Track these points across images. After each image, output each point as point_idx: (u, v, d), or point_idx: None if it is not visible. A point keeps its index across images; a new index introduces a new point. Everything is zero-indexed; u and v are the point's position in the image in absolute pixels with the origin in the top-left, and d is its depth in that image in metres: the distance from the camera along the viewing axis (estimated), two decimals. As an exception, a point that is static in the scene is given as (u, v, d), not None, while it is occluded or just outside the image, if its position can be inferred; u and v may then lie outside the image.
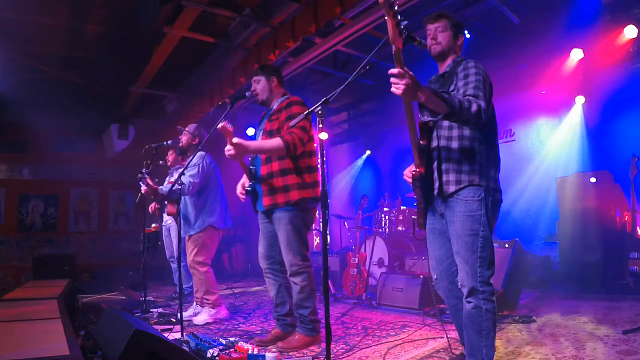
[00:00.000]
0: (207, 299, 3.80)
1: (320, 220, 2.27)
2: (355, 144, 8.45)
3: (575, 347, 2.61)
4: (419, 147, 2.10)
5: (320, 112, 2.08)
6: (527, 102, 5.82)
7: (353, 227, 5.65)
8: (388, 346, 2.87)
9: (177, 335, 3.02)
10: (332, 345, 2.86)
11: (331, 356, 2.14)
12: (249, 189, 3.05)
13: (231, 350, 2.50)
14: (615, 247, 4.32)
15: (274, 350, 2.78)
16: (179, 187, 3.65)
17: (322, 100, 2.07)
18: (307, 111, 2.21)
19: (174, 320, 3.58)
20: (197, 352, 2.58)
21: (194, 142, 4.07)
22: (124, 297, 4.06)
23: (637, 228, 4.33)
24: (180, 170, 3.41)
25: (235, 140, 2.69)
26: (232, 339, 2.76)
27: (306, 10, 4.36)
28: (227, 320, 3.83)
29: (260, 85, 3.12)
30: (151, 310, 4.19)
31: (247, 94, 3.09)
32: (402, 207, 5.66)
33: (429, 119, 2.13)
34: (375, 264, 5.25)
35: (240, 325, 3.70)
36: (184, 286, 4.10)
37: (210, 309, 3.79)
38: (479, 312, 2.01)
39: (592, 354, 2.46)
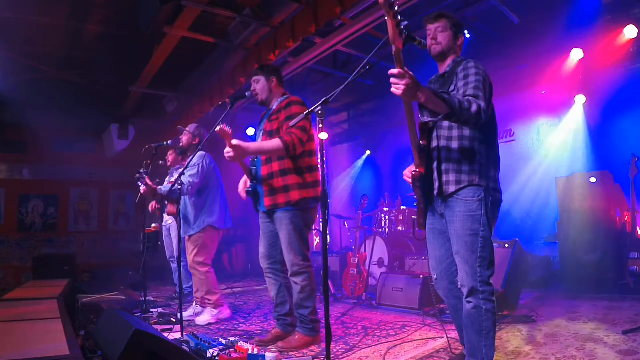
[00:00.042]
0: (209, 300, 3.80)
1: (320, 220, 2.27)
2: (355, 144, 8.45)
3: (575, 347, 2.61)
4: (419, 147, 2.10)
5: (320, 112, 2.08)
6: (527, 102, 5.82)
7: (353, 227, 5.65)
8: (388, 346, 2.87)
9: (177, 335, 3.02)
10: (332, 345, 2.86)
11: (331, 356, 2.14)
12: (250, 189, 3.05)
13: (231, 350, 2.50)
14: (615, 247, 4.32)
15: (274, 350, 2.78)
16: (179, 187, 3.65)
17: (322, 100, 2.07)
18: (307, 111, 2.21)
19: (174, 320, 3.58)
20: (197, 352, 2.58)
21: (194, 142, 4.07)
22: (124, 297, 4.06)
23: (637, 228, 4.33)
24: (181, 170, 3.42)
25: (234, 142, 2.69)
26: (232, 339, 2.76)
27: (306, 10, 4.36)
28: (228, 320, 3.84)
29: (259, 85, 3.13)
30: (151, 310, 4.19)
31: (247, 94, 3.09)
32: (402, 207, 5.66)
33: (429, 119, 2.13)
34: (375, 264, 5.25)
35: (240, 325, 3.70)
36: (184, 286, 4.10)
37: (213, 310, 3.78)
38: (479, 312, 2.01)
39: (592, 354, 2.46)
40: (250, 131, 7.72)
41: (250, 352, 2.41)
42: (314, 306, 2.94)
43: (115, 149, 7.57)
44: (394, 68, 1.74)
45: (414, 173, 2.17)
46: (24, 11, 4.67)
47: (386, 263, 5.20)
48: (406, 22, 1.68)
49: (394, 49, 1.72)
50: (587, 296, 4.16)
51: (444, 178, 2.10)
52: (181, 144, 4.14)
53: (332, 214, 6.15)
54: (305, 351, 2.82)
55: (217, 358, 2.45)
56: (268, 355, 2.37)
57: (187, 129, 4.13)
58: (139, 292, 4.41)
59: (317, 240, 6.56)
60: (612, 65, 4.99)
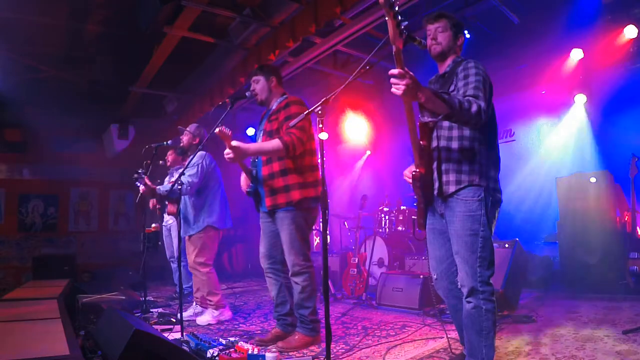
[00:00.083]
0: (210, 300, 3.79)
1: (320, 220, 2.27)
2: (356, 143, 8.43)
3: (575, 347, 2.61)
4: (419, 147, 2.09)
5: (320, 112, 2.08)
6: (527, 102, 5.82)
7: (353, 227, 5.65)
8: (388, 346, 2.87)
9: (177, 335, 3.02)
10: (332, 345, 2.86)
11: (331, 356, 2.15)
12: (251, 190, 3.06)
13: (231, 350, 2.50)
14: (615, 247, 4.32)
15: (274, 350, 2.78)
16: (179, 187, 3.65)
17: (322, 100, 2.07)
18: (306, 111, 2.21)
19: (174, 320, 3.58)
20: (197, 352, 2.58)
21: (194, 142, 4.07)
22: (124, 297, 4.06)
23: (637, 228, 4.33)
24: (181, 170, 3.42)
25: (233, 143, 2.70)
26: (232, 339, 2.76)
27: (306, 10, 4.36)
28: (228, 321, 3.83)
29: (259, 85, 3.13)
30: (151, 310, 4.19)
31: (247, 94, 3.09)
32: (402, 207, 5.66)
33: (429, 119, 2.13)
34: (375, 264, 5.25)
35: (240, 325, 3.70)
36: (184, 286, 4.10)
37: (214, 311, 3.78)
38: (479, 312, 2.01)
39: (592, 354, 2.46)
40: (250, 131, 7.72)
41: (250, 352, 2.41)
42: (314, 306, 2.94)
43: (115, 149, 7.57)
44: (394, 68, 1.74)
45: (414, 173, 2.17)
46: (24, 11, 4.67)
47: (386, 263, 5.20)
48: (406, 22, 1.68)
49: (394, 49, 1.71)
50: (587, 296, 4.16)
51: (444, 178, 2.10)
52: (182, 144, 4.14)
53: (332, 213, 6.15)
54: (305, 351, 2.82)
55: (217, 358, 2.45)
56: (268, 355, 2.37)
57: (187, 129, 4.13)
58: (139, 292, 4.41)
59: (317, 240, 6.56)
60: (612, 65, 4.99)
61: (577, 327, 3.11)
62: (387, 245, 5.26)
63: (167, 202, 3.94)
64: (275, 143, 2.82)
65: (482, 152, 2.11)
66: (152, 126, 7.85)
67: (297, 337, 2.91)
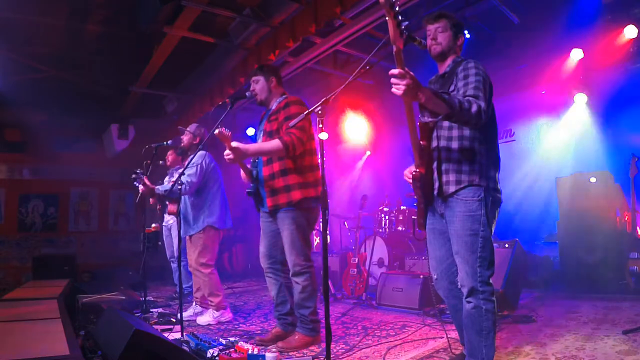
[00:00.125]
0: (212, 301, 3.79)
1: (321, 220, 2.27)
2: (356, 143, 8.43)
3: (575, 347, 2.61)
4: (419, 147, 2.09)
5: (320, 112, 2.08)
6: (527, 102, 5.82)
7: (353, 227, 5.65)
8: (388, 346, 2.87)
9: (177, 335, 3.02)
10: (332, 345, 2.86)
11: (331, 356, 2.15)
12: (251, 190, 3.06)
13: (231, 350, 2.51)
14: (615, 247, 4.32)
15: (274, 350, 2.78)
16: (179, 187, 3.65)
17: (322, 100, 2.08)
18: (306, 111, 2.21)
19: (174, 320, 3.58)
20: (197, 352, 2.58)
21: (195, 142, 4.06)
22: (124, 297, 4.06)
23: (637, 228, 4.33)
24: (181, 170, 3.42)
25: (233, 144, 2.70)
26: (232, 339, 2.76)
27: (306, 10, 4.36)
28: (228, 321, 3.83)
29: (259, 85, 3.13)
30: (151, 310, 4.19)
31: (247, 94, 3.09)
32: (402, 207, 5.66)
33: (430, 119, 2.13)
34: (375, 264, 5.25)
35: (240, 325, 3.70)
36: (183, 286, 4.09)
37: (215, 311, 3.77)
38: (479, 312, 2.01)
39: (592, 354, 2.46)
40: (250, 131, 7.72)
41: (250, 352, 2.41)
42: (314, 306, 2.94)
43: (115, 149, 7.57)
44: (394, 68, 1.74)
45: (414, 173, 2.17)
46: (24, 11, 4.67)
47: (386, 263, 5.20)
48: (407, 22, 1.67)
49: (394, 49, 1.71)
50: (587, 296, 4.16)
51: (444, 178, 2.11)
52: (182, 144, 4.13)
53: (332, 213, 6.15)
54: (305, 351, 2.82)
55: (217, 358, 2.45)
56: (268, 355, 2.37)
57: (187, 129, 4.13)
58: (139, 292, 4.41)
59: (317, 240, 6.56)
60: (612, 65, 4.99)
61: (577, 327, 3.11)
62: (387, 245, 5.26)
63: (167, 202, 3.94)
64: (275, 143, 2.82)
65: (482, 152, 2.11)
66: (152, 126, 7.85)
67: (297, 337, 2.92)
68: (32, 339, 2.20)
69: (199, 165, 3.83)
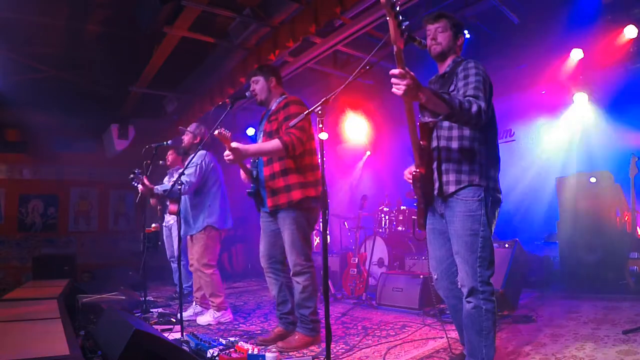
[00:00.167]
0: (213, 302, 3.78)
1: (320, 220, 2.27)
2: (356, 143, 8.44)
3: (575, 347, 2.61)
4: (419, 147, 2.10)
5: (320, 112, 2.08)
6: (527, 102, 5.82)
7: (353, 227, 5.65)
8: (388, 346, 2.87)
9: (177, 335, 3.02)
10: (332, 345, 2.86)
11: (331, 356, 2.15)
12: (251, 191, 3.06)
13: (231, 350, 2.51)
14: (615, 247, 4.32)
15: (274, 350, 2.78)
16: (179, 186, 3.65)
17: (322, 100, 2.08)
18: (306, 111, 2.21)
19: (174, 320, 3.58)
20: (197, 352, 2.58)
21: (195, 141, 4.05)
22: (124, 297, 4.06)
23: (637, 228, 4.33)
24: (181, 170, 3.42)
25: (233, 144, 2.70)
26: (232, 339, 2.76)
27: (306, 10, 4.36)
28: (228, 321, 3.83)
29: (259, 85, 3.13)
30: (151, 310, 4.19)
31: (247, 94, 3.09)
32: (402, 207, 5.66)
33: (430, 119, 2.13)
34: (375, 264, 5.25)
35: (240, 325, 3.70)
36: (183, 285, 4.10)
37: (216, 312, 3.77)
38: (479, 312, 2.01)
39: (592, 354, 2.46)
40: (250, 131, 7.72)
41: (250, 352, 2.41)
42: (314, 306, 2.94)
43: (115, 149, 7.57)
44: (395, 68, 1.74)
45: (414, 173, 2.17)
46: (24, 11, 4.67)
47: (386, 263, 5.20)
48: (407, 23, 1.67)
49: (395, 49, 1.71)
50: (587, 296, 4.15)
51: (444, 178, 2.11)
52: (183, 144, 4.13)
53: (332, 213, 6.15)
54: (305, 351, 2.82)
55: (217, 358, 2.45)
56: (268, 355, 2.37)
57: (187, 129, 4.13)
58: (139, 292, 4.41)
59: (317, 241, 6.56)
60: (612, 65, 4.99)
61: (577, 327, 3.11)
62: (387, 245, 5.26)
63: (168, 202, 3.94)
64: (274, 143, 2.82)
65: (482, 152, 2.11)
66: (152, 126, 7.85)
67: (297, 337, 2.92)
68: (32, 339, 2.20)
69: (198, 165, 3.82)
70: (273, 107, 3.10)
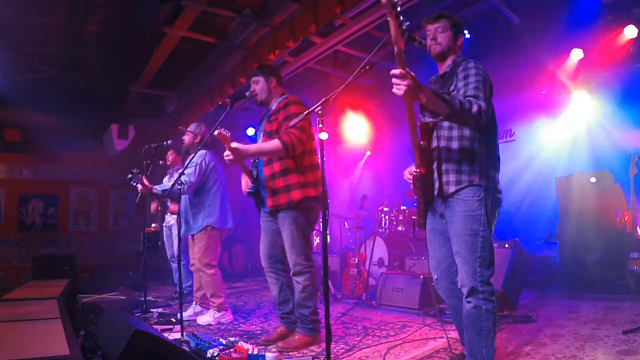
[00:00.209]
0: (214, 302, 3.78)
1: (321, 220, 2.27)
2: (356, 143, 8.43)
3: (575, 347, 2.61)
4: (420, 147, 2.10)
5: (320, 112, 2.08)
6: (527, 102, 5.82)
7: (353, 227, 5.65)
8: (388, 346, 2.87)
9: (177, 335, 3.02)
10: (332, 345, 2.86)
11: (331, 356, 2.15)
12: (252, 191, 3.06)
13: (231, 350, 2.50)
14: (615, 247, 4.32)
15: (274, 350, 2.78)
16: (179, 186, 3.65)
17: (322, 100, 2.08)
18: (306, 111, 2.21)
19: (174, 320, 3.58)
20: (197, 352, 2.58)
21: (196, 141, 4.05)
22: (124, 297, 4.06)
23: (637, 228, 4.33)
24: (181, 170, 3.42)
25: (233, 145, 2.70)
26: (232, 339, 2.76)
27: (306, 10, 4.36)
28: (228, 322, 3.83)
29: (259, 85, 3.13)
30: (151, 310, 4.19)
31: (247, 94, 3.09)
32: (402, 207, 5.66)
33: (430, 120, 2.13)
34: (375, 264, 5.25)
35: (240, 325, 3.70)
36: (183, 285, 4.10)
37: (216, 312, 3.77)
38: (479, 312, 2.01)
39: (592, 354, 2.46)
40: (250, 131, 7.72)
41: (250, 352, 2.41)
42: (314, 306, 2.94)
43: (115, 149, 7.57)
44: (395, 68, 1.74)
45: (414, 173, 2.17)
46: (24, 11, 4.67)
47: (386, 263, 5.20)
48: (408, 23, 1.67)
49: (395, 49, 1.71)
50: (587, 296, 4.16)
51: (444, 178, 2.11)
52: (184, 144, 4.12)
53: (332, 213, 6.15)
54: (305, 351, 2.82)
55: (217, 358, 2.45)
56: (268, 355, 2.37)
57: (188, 129, 4.13)
58: (139, 292, 4.41)
59: (317, 241, 6.56)
60: (612, 65, 4.99)
61: (577, 327, 3.11)
62: (387, 245, 5.26)
63: (170, 202, 3.94)
64: (274, 143, 2.82)
65: (482, 152, 2.11)
66: (152, 126, 7.84)
67: (297, 337, 2.92)
68: (32, 339, 2.20)
69: (198, 165, 3.82)
70: (273, 107, 3.10)
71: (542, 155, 5.77)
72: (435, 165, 2.13)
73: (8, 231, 7.58)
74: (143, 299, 4.14)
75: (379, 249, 5.25)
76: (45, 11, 4.76)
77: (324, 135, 2.08)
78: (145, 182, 3.94)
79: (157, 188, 3.98)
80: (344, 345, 2.93)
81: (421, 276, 4.07)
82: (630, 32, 4.66)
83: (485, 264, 2.03)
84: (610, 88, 5.04)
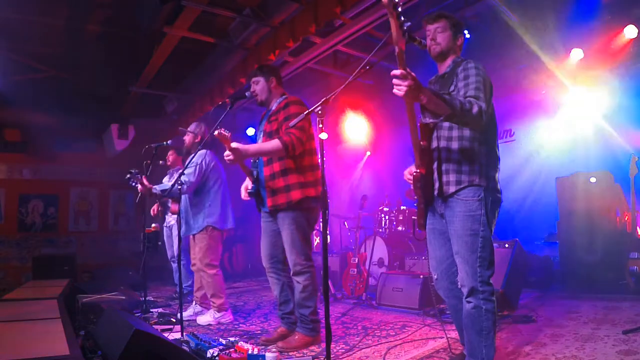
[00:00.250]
0: (214, 302, 3.78)
1: (321, 220, 2.27)
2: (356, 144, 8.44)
3: (575, 347, 2.61)
4: (420, 147, 2.10)
5: (320, 112, 2.08)
6: (526, 102, 5.82)
7: (353, 227, 5.65)
8: (388, 346, 2.87)
9: (177, 335, 3.02)
10: (332, 345, 2.86)
11: (331, 356, 2.15)
12: (252, 191, 3.06)
13: (231, 350, 2.51)
14: (615, 247, 4.32)
15: (274, 350, 2.78)
16: (179, 186, 3.64)
17: (322, 100, 2.08)
18: (306, 111, 2.21)
19: (174, 320, 3.58)
20: (197, 352, 2.58)
21: (196, 140, 4.05)
22: (124, 297, 4.06)
23: (637, 228, 4.33)
24: (181, 170, 3.42)
25: (233, 145, 2.70)
26: (232, 339, 2.77)
27: (306, 10, 4.36)
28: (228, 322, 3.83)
29: (259, 86, 3.13)
30: (151, 310, 4.19)
31: (247, 94, 3.09)
32: (402, 207, 5.66)
33: (431, 120, 2.13)
34: (375, 264, 5.25)
35: (240, 325, 3.70)
36: (183, 285, 4.10)
37: (216, 312, 3.77)
38: (479, 312, 2.01)
39: (592, 354, 2.46)
40: (250, 131, 7.72)
41: (250, 352, 2.41)
42: (314, 306, 2.94)
43: (115, 149, 7.57)
44: (395, 68, 1.74)
45: (415, 174, 2.17)
46: (24, 11, 4.67)
47: (386, 263, 5.20)
48: (409, 23, 1.67)
49: (396, 49, 1.70)
50: (587, 296, 4.16)
51: (444, 178, 2.11)
52: (185, 145, 4.12)
53: (332, 213, 6.15)
54: (305, 351, 2.82)
55: (217, 358, 2.45)
56: (268, 355, 2.37)
57: (188, 129, 4.12)
58: (139, 292, 4.41)
59: (317, 241, 6.56)
60: (612, 65, 4.99)
61: (577, 327, 3.11)
62: (387, 245, 5.26)
63: (171, 202, 3.93)
64: (274, 143, 2.82)
65: (482, 152, 2.11)
66: (152, 126, 7.84)
67: (297, 337, 2.92)
68: (32, 339, 2.20)
69: (198, 165, 3.82)
70: (273, 108, 3.10)
71: (542, 155, 5.76)
72: (435, 165, 2.14)
73: (8, 231, 7.58)
74: (143, 299, 4.14)
75: (379, 249, 5.25)
76: (45, 11, 4.76)
77: (324, 135, 2.09)
78: (145, 182, 3.93)
79: (157, 188, 3.97)
80: (344, 345, 2.93)
81: (421, 276, 4.07)
82: (630, 32, 4.66)
83: (485, 264, 2.03)
84: (610, 88, 5.04)
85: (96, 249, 8.19)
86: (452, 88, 2.11)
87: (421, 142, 2.09)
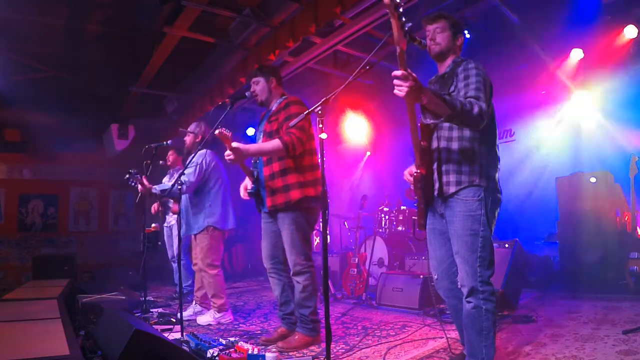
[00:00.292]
0: (215, 302, 3.78)
1: (321, 220, 2.27)
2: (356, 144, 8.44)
3: (575, 347, 2.61)
4: (420, 148, 2.10)
5: (320, 112, 2.08)
6: (527, 102, 5.82)
7: (353, 227, 5.65)
8: (388, 346, 2.87)
9: (177, 335, 3.02)
10: (332, 345, 2.86)
11: (331, 356, 2.15)
12: (252, 191, 3.06)
13: (231, 350, 2.51)
14: (615, 247, 4.31)
15: (274, 350, 2.78)
16: (179, 186, 3.64)
17: (322, 100, 2.08)
18: (306, 111, 2.21)
19: (174, 320, 3.58)
20: (197, 352, 2.58)
21: (197, 140, 4.04)
22: (124, 297, 4.05)
23: (637, 228, 4.32)
24: (182, 170, 3.42)
25: (234, 144, 2.70)
26: (232, 339, 2.77)
27: (306, 10, 4.36)
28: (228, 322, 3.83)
29: (259, 86, 3.13)
30: (151, 310, 4.19)
31: (247, 94, 3.09)
32: (402, 207, 5.66)
33: (431, 120, 2.13)
34: (375, 264, 5.25)
35: (240, 325, 3.70)
36: (183, 285, 4.10)
37: (216, 313, 3.76)
38: (479, 312, 2.02)
39: (592, 354, 2.46)
40: (250, 131, 7.72)
41: (250, 352, 2.41)
42: (314, 306, 2.94)
43: (115, 149, 7.57)
44: (396, 68, 1.74)
45: (415, 174, 2.17)
46: (24, 11, 4.67)
47: (386, 263, 5.20)
48: (410, 24, 1.67)
49: (397, 50, 1.70)
50: (587, 296, 4.16)
51: (444, 179, 2.11)
52: (186, 145, 4.11)
53: (332, 213, 6.15)
54: (305, 351, 2.82)
55: (217, 358, 2.45)
56: (268, 355, 2.37)
57: (188, 129, 4.12)
58: (139, 292, 4.41)
59: (317, 241, 6.56)
60: (612, 66, 4.98)
61: (577, 327, 3.11)
62: (387, 245, 5.26)
63: (172, 202, 3.93)
64: (275, 143, 2.82)
65: (482, 152, 2.11)
66: (152, 126, 7.85)
67: (297, 337, 2.92)
68: (32, 339, 2.20)
69: (198, 165, 3.81)
70: (273, 108, 3.10)
71: (542, 155, 5.77)
72: (435, 165, 2.14)
73: (8, 231, 7.58)
74: (143, 299, 4.14)
75: (379, 249, 5.25)
76: (45, 11, 4.76)
77: (324, 135, 2.09)
78: (145, 182, 3.93)
79: (156, 188, 3.97)
80: (344, 345, 2.93)
81: (421, 276, 4.07)
82: (630, 32, 4.67)
83: (485, 264, 2.03)
84: (610, 88, 5.04)
85: (96, 249, 8.19)
86: (452, 88, 2.12)
87: (421, 143, 2.09)
